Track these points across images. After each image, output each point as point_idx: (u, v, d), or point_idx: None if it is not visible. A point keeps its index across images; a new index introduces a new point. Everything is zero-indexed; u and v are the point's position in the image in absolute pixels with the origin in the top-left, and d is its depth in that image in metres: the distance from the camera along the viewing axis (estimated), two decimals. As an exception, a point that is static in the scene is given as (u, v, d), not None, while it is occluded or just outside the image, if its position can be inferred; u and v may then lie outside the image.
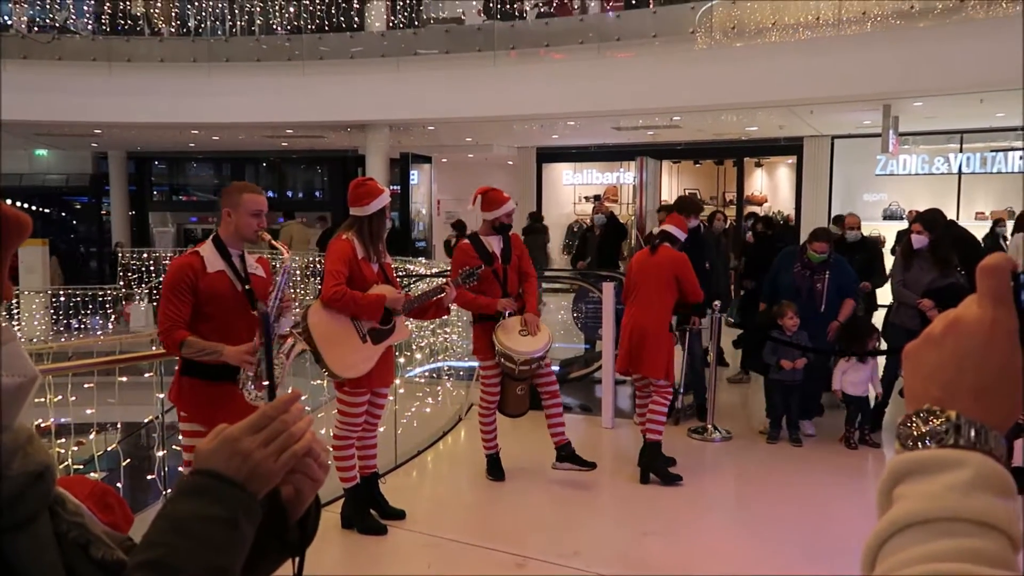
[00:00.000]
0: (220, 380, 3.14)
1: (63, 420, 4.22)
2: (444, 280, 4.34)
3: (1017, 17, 8.07)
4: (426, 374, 7.35)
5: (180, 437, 3.25)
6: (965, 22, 8.45)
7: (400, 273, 6.51)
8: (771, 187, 15.39)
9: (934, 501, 0.53)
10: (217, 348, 3.07)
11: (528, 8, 11.47)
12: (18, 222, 0.76)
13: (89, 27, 11.84)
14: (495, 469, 4.81)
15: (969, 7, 8.46)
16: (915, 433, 0.57)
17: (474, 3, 11.82)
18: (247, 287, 3.20)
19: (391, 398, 4.57)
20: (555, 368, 7.33)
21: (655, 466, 4.80)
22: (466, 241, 4.70)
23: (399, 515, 4.16)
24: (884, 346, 5.67)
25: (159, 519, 0.78)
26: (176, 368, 3.28)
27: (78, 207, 18.96)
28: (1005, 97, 9.25)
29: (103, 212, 17.98)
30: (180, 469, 3.33)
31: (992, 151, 12.16)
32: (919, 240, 5.58)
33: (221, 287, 3.14)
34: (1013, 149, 11.94)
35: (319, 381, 5.35)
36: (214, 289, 3.13)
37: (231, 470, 0.79)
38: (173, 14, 12.38)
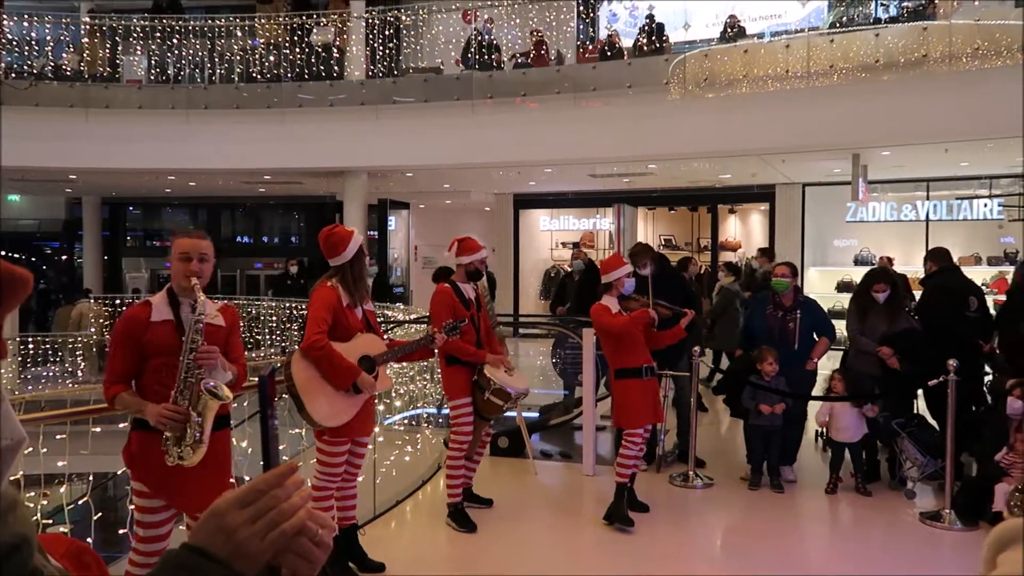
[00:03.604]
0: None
1: (33, 472, 4.10)
2: (428, 331, 4.37)
3: (977, 73, 8.38)
4: (405, 421, 7.27)
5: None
6: (927, 76, 8.75)
7: (379, 319, 6.47)
8: (745, 233, 15.64)
9: None
10: (141, 405, 2.92)
11: (505, 59, 11.67)
12: (14, 280, 0.74)
13: (67, 73, 11.82)
14: (464, 520, 4.70)
15: (930, 62, 8.77)
16: None
17: (452, 53, 12.01)
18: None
19: (370, 447, 4.50)
20: (535, 415, 7.35)
21: (610, 509, 4.78)
22: (447, 286, 4.74)
23: (378, 568, 4.08)
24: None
25: None
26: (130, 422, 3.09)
27: (48, 252, 18.71)
28: (969, 147, 9.56)
29: (75, 257, 17.76)
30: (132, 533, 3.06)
31: (958, 199, 12.50)
32: (883, 297, 5.71)
33: (163, 338, 2.97)
34: (978, 197, 12.29)
35: (297, 430, 5.26)
36: (157, 340, 2.97)
37: (215, 547, 0.76)
38: (150, 62, 12.39)
